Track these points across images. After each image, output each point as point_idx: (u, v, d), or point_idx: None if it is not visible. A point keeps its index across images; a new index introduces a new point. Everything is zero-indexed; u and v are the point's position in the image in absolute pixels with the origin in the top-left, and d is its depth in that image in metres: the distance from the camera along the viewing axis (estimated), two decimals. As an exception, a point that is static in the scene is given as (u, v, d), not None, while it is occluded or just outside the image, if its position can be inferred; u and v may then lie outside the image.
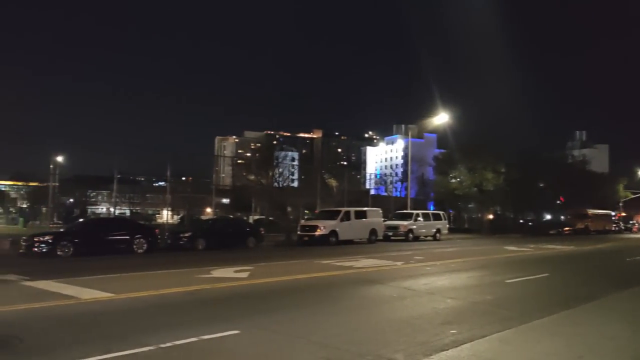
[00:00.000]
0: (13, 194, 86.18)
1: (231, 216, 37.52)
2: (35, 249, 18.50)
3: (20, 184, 79.97)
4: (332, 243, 27.34)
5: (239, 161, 69.22)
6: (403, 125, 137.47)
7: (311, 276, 13.77)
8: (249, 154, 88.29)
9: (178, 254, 21.17)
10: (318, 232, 27.56)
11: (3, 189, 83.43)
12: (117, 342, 6.44)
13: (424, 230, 34.94)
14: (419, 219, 34.99)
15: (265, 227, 29.94)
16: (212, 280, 12.39)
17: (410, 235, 33.40)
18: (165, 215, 45.04)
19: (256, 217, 41.76)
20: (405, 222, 33.90)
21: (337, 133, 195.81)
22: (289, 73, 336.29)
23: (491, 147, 48.78)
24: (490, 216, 54.59)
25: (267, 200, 38.69)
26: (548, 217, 65.93)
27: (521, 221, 58.34)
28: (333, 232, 27.85)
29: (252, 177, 39.19)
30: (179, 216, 46.53)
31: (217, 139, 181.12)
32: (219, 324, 7.51)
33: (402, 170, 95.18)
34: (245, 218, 39.44)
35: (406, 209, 38.07)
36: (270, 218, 38.03)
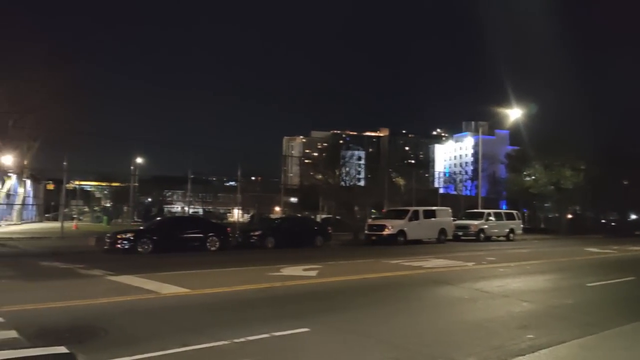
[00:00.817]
0: (97, 194, 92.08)
1: (299, 215, 38.05)
2: (118, 246, 19.65)
3: (103, 184, 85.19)
4: (400, 243, 27.05)
5: (307, 161, 69.96)
6: (473, 122, 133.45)
7: (380, 276, 13.71)
8: (315, 154, 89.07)
9: (249, 252, 21.76)
10: (386, 232, 27.37)
11: (88, 189, 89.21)
12: (193, 336, 6.73)
13: (496, 230, 33.77)
14: (490, 218, 33.85)
15: (332, 226, 30.10)
16: (282, 278, 12.63)
17: (482, 236, 32.38)
18: (236, 214, 46.40)
19: (323, 216, 42.08)
20: (476, 222, 32.92)
21: (404, 131, 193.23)
22: (356, 72, 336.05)
23: (570, 143, 46.27)
24: (569, 216, 51.80)
25: (334, 199, 38.88)
26: (633, 216, 61.66)
27: (603, 221, 54.92)
28: (401, 232, 27.55)
29: (319, 177, 39.49)
30: (249, 215, 47.73)
31: (285, 139, 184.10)
32: (290, 321, 7.66)
33: (472, 168, 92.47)
34: (312, 217, 39.86)
35: (477, 208, 36.96)
36: (338, 217, 38.18)
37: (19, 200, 46.01)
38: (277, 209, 43.45)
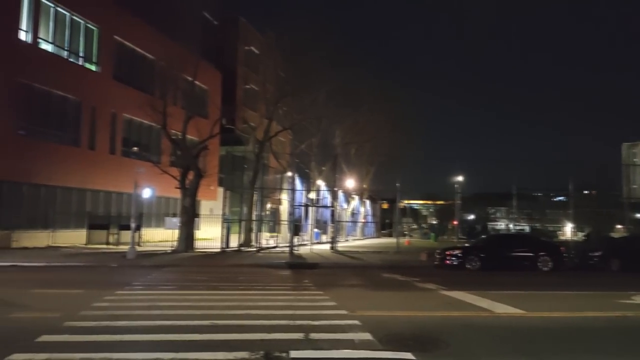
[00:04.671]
0: (424, 212, 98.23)
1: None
2: (447, 262, 20.42)
3: (429, 202, 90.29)
4: None
5: (656, 169, 58.75)
6: None
7: None
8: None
9: (587, 274, 19.54)
10: None
11: (416, 207, 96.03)
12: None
13: None
14: None
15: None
16: (635, 307, 10.86)
17: None
18: (568, 232, 42.39)
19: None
20: None
21: None
22: None
23: None
24: None
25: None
26: None
27: None
28: None
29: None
30: (583, 233, 42.99)
31: (624, 145, 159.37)
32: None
33: None
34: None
35: None
36: None
37: (360, 218, 53.05)
38: (619, 226, 37.80)
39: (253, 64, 44.13)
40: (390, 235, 54.66)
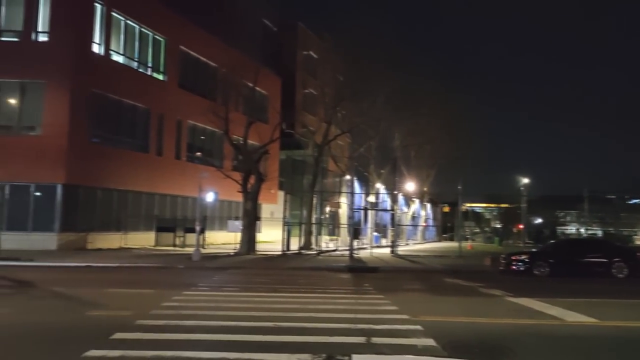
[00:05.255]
0: (487, 215, 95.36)
1: None
2: (513, 267, 19.69)
3: (492, 205, 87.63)
4: None
5: None
6: None
7: None
8: None
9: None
10: None
11: (478, 210, 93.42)
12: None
13: None
14: None
15: None
16: None
17: None
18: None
19: None
20: None
21: None
22: None
23: None
24: None
25: None
26: None
27: None
28: None
29: None
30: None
31: None
32: None
33: None
34: None
35: None
36: None
37: (421, 222, 52.28)
38: None
39: (312, 69, 44.57)
40: (451, 239, 53.51)
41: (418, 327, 8.48)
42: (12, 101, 23.99)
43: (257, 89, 29.07)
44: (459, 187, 32.23)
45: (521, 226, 52.85)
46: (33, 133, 23.87)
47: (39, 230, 22.99)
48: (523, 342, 7.79)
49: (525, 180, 52.64)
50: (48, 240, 22.86)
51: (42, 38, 23.93)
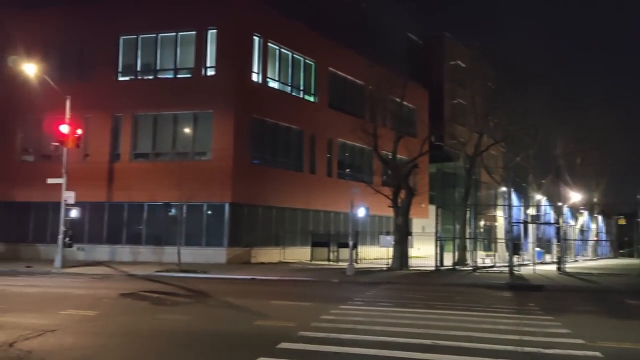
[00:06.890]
0: None
1: None
2: None
3: None
4: None
5: None
6: None
7: None
8: None
9: None
10: None
11: None
12: None
13: None
14: None
15: None
16: None
17: None
18: None
19: None
20: None
21: None
22: None
23: None
24: None
25: None
26: None
27: None
28: None
29: None
30: None
31: None
32: None
33: None
34: None
35: None
36: None
37: (592, 236, 47.08)
38: None
39: (459, 79, 43.21)
40: (630, 256, 47.11)
41: (597, 353, 7.61)
42: (187, 130, 27.01)
43: (405, 103, 29.00)
44: (638, 197, 28.38)
45: None
46: (204, 158, 26.57)
47: (211, 245, 25.42)
48: None
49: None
50: (218, 254, 25.16)
51: (210, 72, 26.67)
